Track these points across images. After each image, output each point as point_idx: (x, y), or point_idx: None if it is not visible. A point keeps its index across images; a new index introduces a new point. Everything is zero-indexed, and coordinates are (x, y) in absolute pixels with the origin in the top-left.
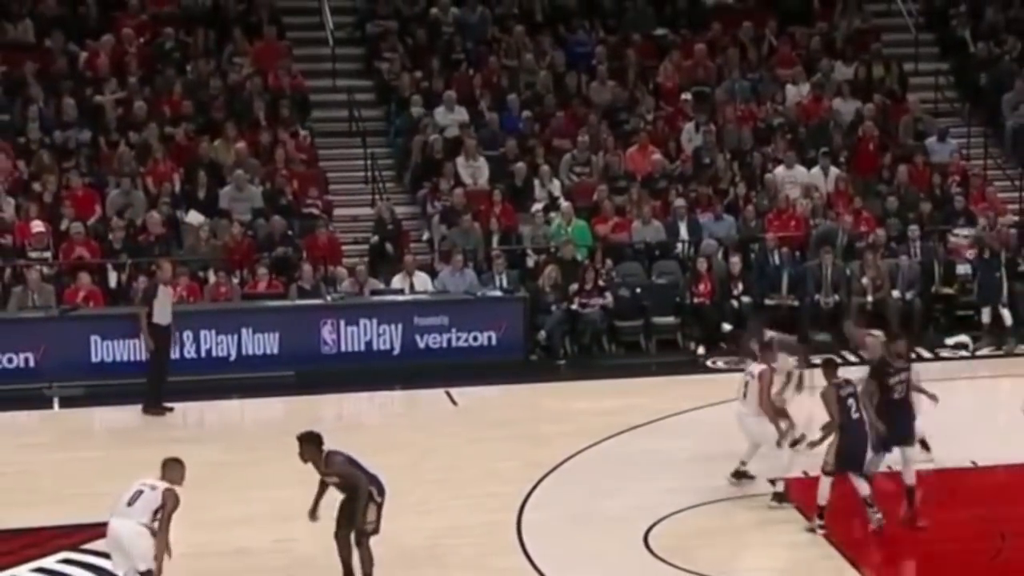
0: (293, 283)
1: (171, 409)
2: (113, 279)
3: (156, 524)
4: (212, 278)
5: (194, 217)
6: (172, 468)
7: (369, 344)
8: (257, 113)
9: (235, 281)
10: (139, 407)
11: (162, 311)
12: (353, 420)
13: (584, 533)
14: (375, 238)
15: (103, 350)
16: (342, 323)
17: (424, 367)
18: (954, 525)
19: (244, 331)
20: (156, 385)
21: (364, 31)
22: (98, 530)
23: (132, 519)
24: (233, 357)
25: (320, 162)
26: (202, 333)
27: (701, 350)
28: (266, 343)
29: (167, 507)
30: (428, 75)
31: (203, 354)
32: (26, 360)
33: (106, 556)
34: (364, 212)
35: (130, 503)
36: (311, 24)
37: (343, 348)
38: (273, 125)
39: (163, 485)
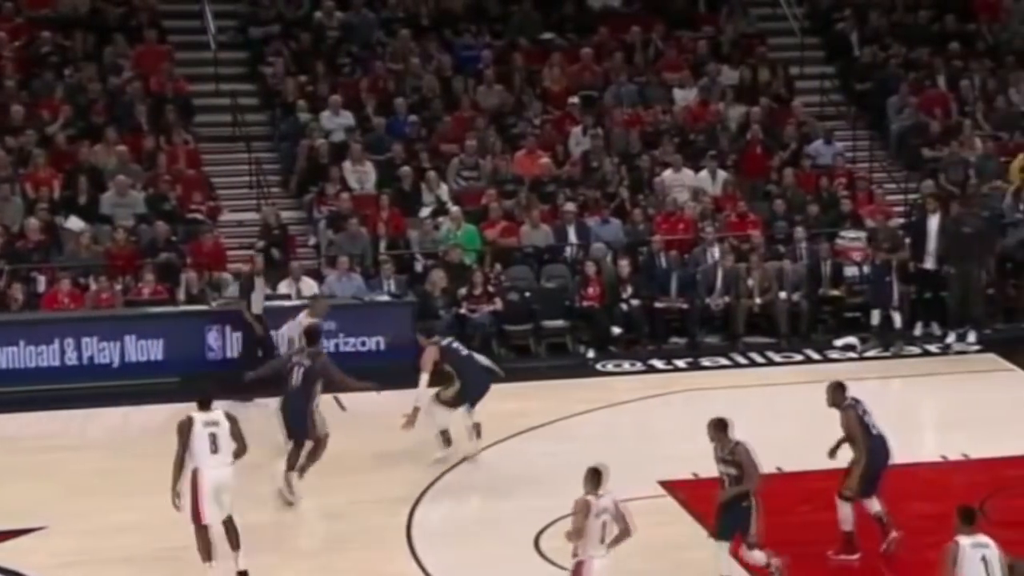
0: (177, 289)
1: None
2: None
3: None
4: (94, 285)
5: (74, 223)
6: (209, 400)
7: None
8: (139, 118)
9: (118, 287)
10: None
11: (258, 303)
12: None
13: (475, 537)
14: (261, 243)
15: None
16: (228, 329)
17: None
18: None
19: (127, 338)
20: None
21: (247, 35)
22: None
23: (227, 462)
24: (116, 364)
25: (204, 167)
26: (84, 340)
27: (591, 353)
28: (150, 349)
29: (236, 425)
30: (313, 79)
31: (85, 361)
32: None
33: None
34: (249, 217)
35: (213, 450)
36: (193, 28)
37: (229, 354)
38: (155, 130)
39: (220, 413)
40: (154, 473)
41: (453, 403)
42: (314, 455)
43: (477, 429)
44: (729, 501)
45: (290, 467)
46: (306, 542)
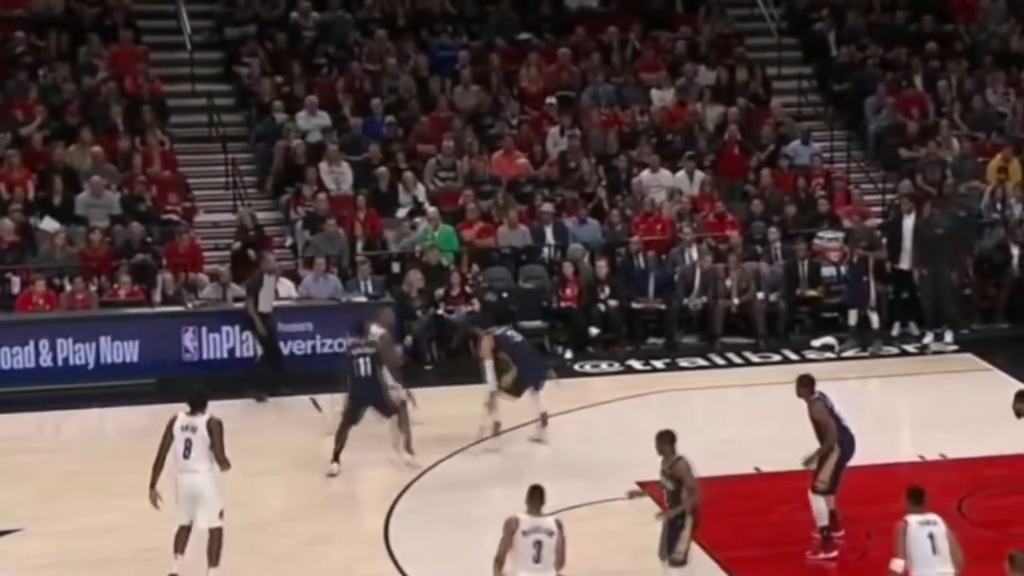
0: (153, 290)
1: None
2: None
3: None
4: (68, 286)
5: (49, 224)
6: (201, 402)
7: (232, 351)
8: (114, 118)
9: (93, 289)
10: None
11: (266, 301)
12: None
13: (452, 538)
14: (237, 244)
15: None
16: (204, 330)
17: (289, 374)
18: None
19: (103, 339)
20: (265, 372)
21: (223, 35)
22: None
23: (197, 470)
24: (91, 365)
25: (180, 168)
26: (59, 342)
27: (568, 354)
28: (125, 351)
29: (215, 436)
30: (289, 80)
31: (60, 363)
32: None
33: None
34: (225, 218)
35: (185, 455)
36: (168, 28)
37: (205, 355)
38: (130, 130)
39: (203, 419)
40: (129, 475)
41: (514, 391)
42: (404, 424)
43: (544, 418)
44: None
45: (406, 445)
46: (283, 543)
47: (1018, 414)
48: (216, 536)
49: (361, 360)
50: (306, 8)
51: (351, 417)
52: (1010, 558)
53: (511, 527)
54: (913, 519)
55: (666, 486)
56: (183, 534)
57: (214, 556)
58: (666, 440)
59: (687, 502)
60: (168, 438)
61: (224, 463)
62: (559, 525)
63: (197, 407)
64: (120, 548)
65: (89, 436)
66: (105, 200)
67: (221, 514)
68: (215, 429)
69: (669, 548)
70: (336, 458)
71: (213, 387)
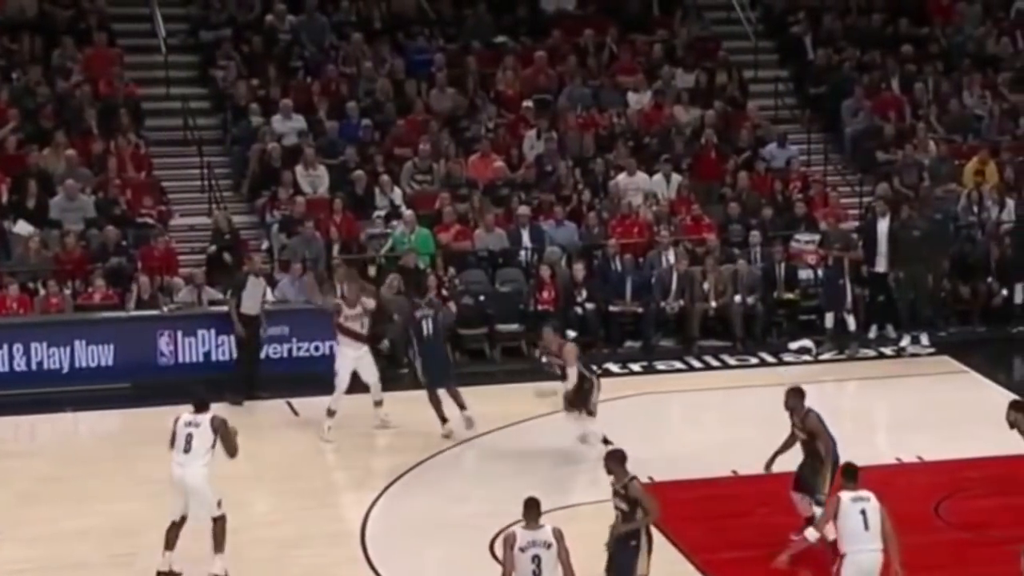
0: (128, 294)
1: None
2: None
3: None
4: (43, 290)
5: (23, 227)
6: (204, 402)
7: (208, 355)
8: (88, 121)
9: (67, 292)
10: None
11: (251, 302)
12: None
13: (429, 541)
14: (213, 247)
15: None
16: (179, 334)
17: (265, 377)
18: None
19: (77, 343)
20: (242, 376)
21: (198, 38)
22: None
23: (193, 463)
24: (66, 369)
25: (155, 171)
26: (33, 345)
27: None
28: (100, 355)
29: (220, 434)
30: (265, 83)
31: (34, 367)
32: None
33: None
34: (201, 221)
35: (186, 449)
36: (143, 31)
37: (181, 359)
38: (105, 134)
39: (206, 417)
40: (105, 479)
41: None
42: (457, 394)
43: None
44: (619, 539)
45: (461, 407)
46: (259, 546)
47: (1012, 425)
48: (220, 524)
49: (424, 322)
50: (282, 11)
51: (432, 379)
52: None
53: (509, 543)
54: (846, 495)
55: (619, 506)
56: (174, 530)
57: (219, 543)
58: (616, 460)
59: (643, 521)
60: (172, 433)
61: (233, 453)
62: (558, 536)
63: (201, 407)
64: (95, 553)
65: (64, 440)
66: (79, 203)
67: (219, 504)
68: (220, 426)
69: (628, 571)
70: (443, 420)
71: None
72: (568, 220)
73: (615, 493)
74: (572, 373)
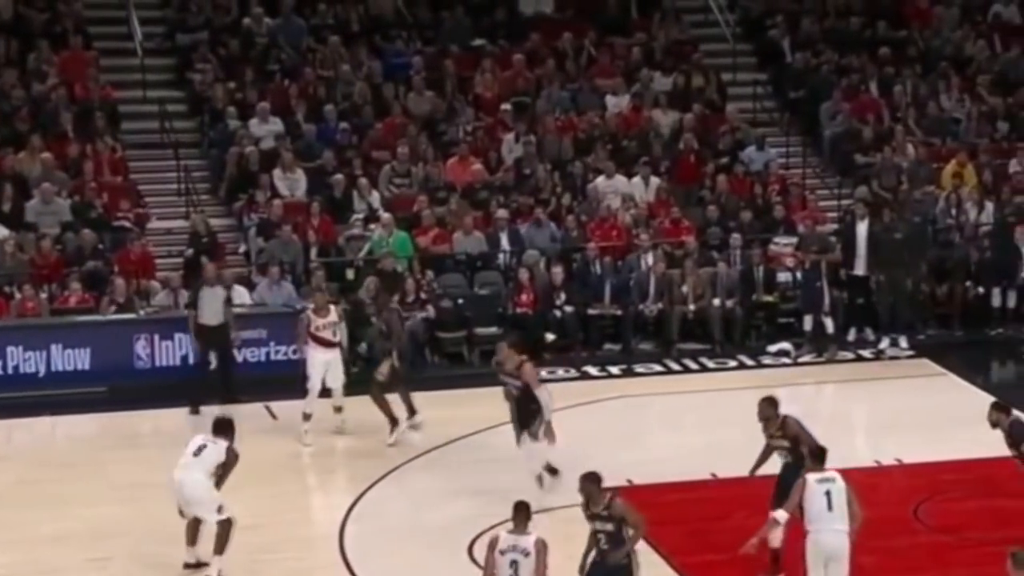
0: (105, 297)
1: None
2: None
3: (216, 476)
4: (18, 294)
5: None
6: (227, 428)
7: (185, 358)
8: (64, 124)
9: (43, 296)
10: None
11: (209, 312)
12: (170, 436)
13: (407, 546)
14: (190, 251)
15: None
16: (156, 337)
17: (243, 381)
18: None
19: (53, 347)
20: (202, 384)
21: (175, 41)
22: None
23: (196, 470)
24: (42, 373)
25: (131, 174)
26: (8, 350)
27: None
28: (77, 359)
29: (228, 465)
30: (242, 86)
31: (10, 371)
32: None
33: None
34: (178, 225)
35: (196, 454)
36: (119, 34)
37: (158, 363)
38: (81, 137)
39: (224, 443)
40: (81, 483)
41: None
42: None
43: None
44: (614, 566)
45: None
46: (237, 552)
47: (994, 425)
48: (223, 526)
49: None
50: (259, 14)
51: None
52: (1012, 556)
53: (492, 545)
54: (812, 476)
55: (604, 528)
56: (191, 528)
57: (219, 545)
58: (592, 481)
59: (634, 538)
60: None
61: (219, 481)
62: (539, 547)
63: (219, 431)
64: (70, 557)
65: (40, 444)
66: (55, 207)
67: (220, 508)
68: (231, 458)
69: None
70: (396, 420)
71: (165, 395)
72: (547, 221)
73: (595, 516)
74: (541, 395)
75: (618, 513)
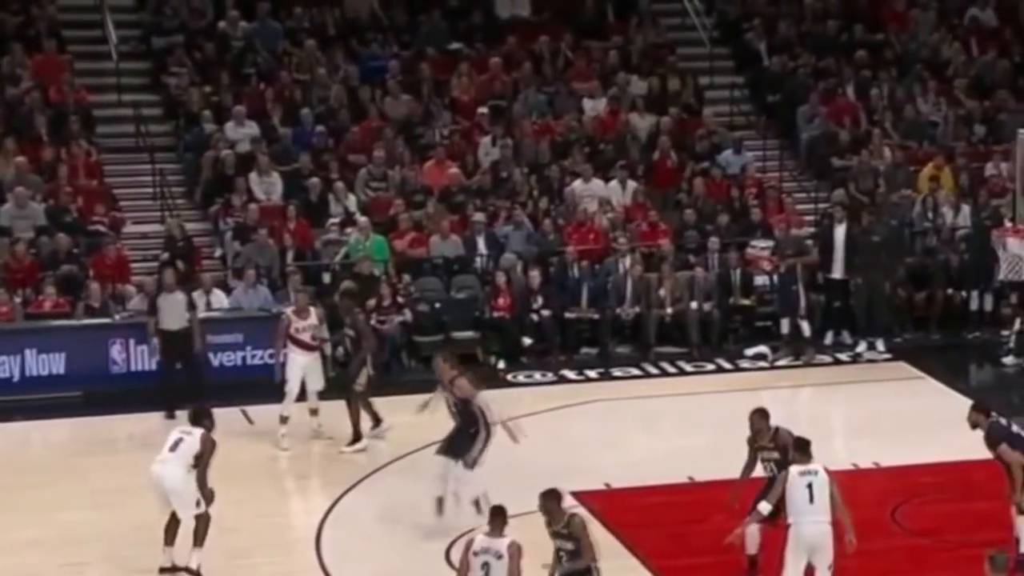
0: (80, 302)
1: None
2: None
3: (195, 468)
4: None
5: None
6: (203, 416)
7: (160, 362)
8: (38, 128)
9: (18, 300)
10: None
11: (170, 318)
12: (145, 440)
13: (385, 549)
14: (165, 255)
15: None
16: (132, 342)
17: (219, 385)
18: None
19: (28, 351)
20: (168, 389)
21: (150, 45)
22: None
23: (174, 464)
24: (16, 378)
25: (106, 178)
26: None
27: (501, 364)
28: (51, 363)
29: (205, 453)
30: (218, 89)
31: None
32: None
33: None
34: (153, 229)
35: (172, 448)
36: (93, 38)
37: (133, 367)
38: (55, 140)
39: (199, 431)
40: (56, 489)
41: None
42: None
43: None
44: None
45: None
46: (212, 556)
47: (973, 426)
48: (202, 520)
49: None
50: (234, 17)
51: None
52: (990, 559)
53: (468, 546)
54: (795, 469)
55: (564, 546)
56: (171, 527)
57: (198, 538)
58: (551, 499)
59: (588, 557)
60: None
61: (203, 483)
62: (513, 552)
63: (195, 420)
64: (45, 563)
65: (15, 450)
66: (30, 211)
67: (198, 503)
68: (207, 443)
69: None
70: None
71: (140, 400)
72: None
73: (557, 535)
74: (482, 405)
75: (576, 533)
